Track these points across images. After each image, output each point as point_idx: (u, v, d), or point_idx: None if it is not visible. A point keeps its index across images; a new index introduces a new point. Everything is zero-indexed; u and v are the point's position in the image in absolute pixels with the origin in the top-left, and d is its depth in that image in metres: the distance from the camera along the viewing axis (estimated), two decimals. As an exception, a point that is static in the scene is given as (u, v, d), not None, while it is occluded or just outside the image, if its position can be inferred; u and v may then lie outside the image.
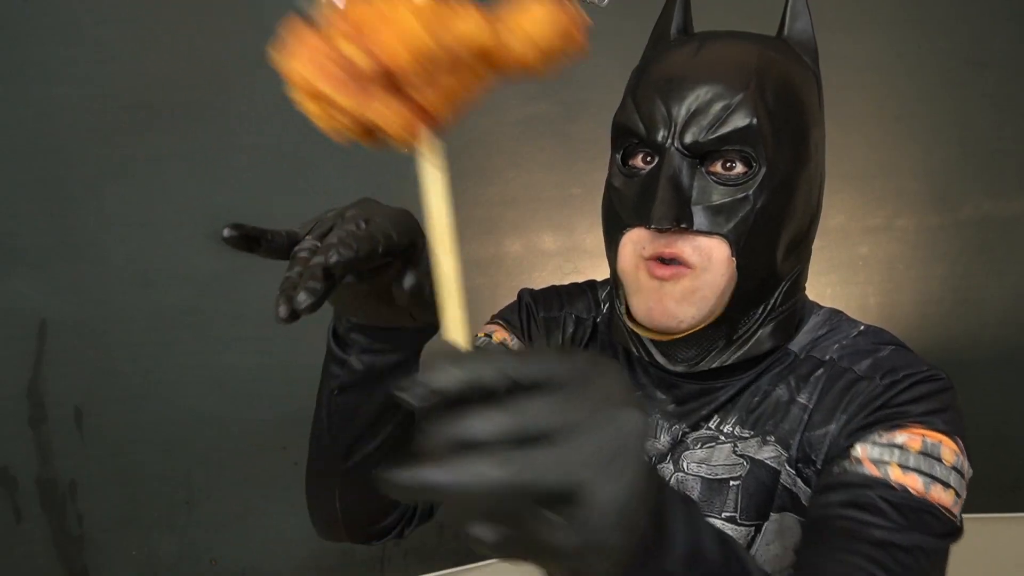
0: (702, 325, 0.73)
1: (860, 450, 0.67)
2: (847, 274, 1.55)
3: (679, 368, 0.76)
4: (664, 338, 0.74)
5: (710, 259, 0.70)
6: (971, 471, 0.67)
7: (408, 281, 0.56)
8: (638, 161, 0.73)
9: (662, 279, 0.71)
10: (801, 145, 0.73)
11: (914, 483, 0.64)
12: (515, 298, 0.95)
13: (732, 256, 0.70)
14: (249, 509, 1.51)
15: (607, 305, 0.90)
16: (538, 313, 0.91)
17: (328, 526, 0.77)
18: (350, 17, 0.33)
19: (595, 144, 1.48)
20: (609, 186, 0.76)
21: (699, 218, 0.70)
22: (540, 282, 1.49)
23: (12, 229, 1.31)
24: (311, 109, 0.36)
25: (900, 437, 0.66)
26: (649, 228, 0.68)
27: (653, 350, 0.77)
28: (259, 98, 1.34)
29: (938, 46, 1.47)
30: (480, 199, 1.43)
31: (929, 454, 0.65)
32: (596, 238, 1.55)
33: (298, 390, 1.48)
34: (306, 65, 0.35)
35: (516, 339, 0.89)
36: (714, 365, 0.75)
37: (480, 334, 0.90)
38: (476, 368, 0.35)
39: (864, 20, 1.44)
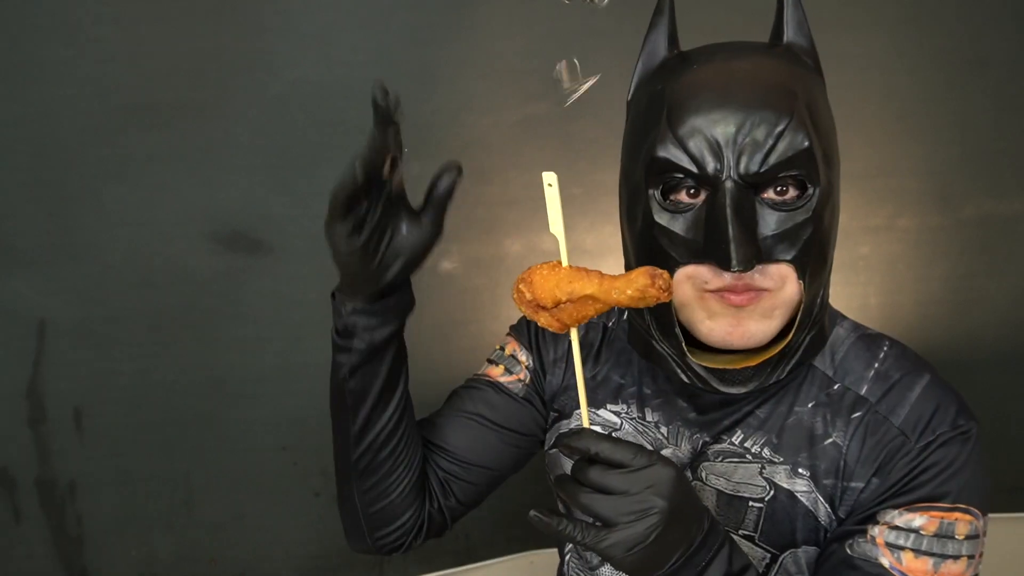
0: (776, 348, 0.72)
1: (878, 531, 0.70)
2: (848, 274, 1.55)
3: (737, 390, 0.74)
4: (739, 365, 0.73)
5: (783, 280, 0.70)
6: (988, 516, 0.71)
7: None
8: (683, 196, 0.71)
9: (740, 306, 0.70)
10: (833, 158, 0.73)
11: (924, 567, 0.68)
12: (509, 331, 0.96)
13: (799, 278, 0.70)
14: (249, 509, 1.51)
15: (625, 314, 0.90)
16: None
17: (356, 531, 0.86)
18: (531, 281, 0.66)
19: (595, 144, 1.48)
20: (651, 224, 0.72)
21: (766, 248, 0.68)
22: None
23: (12, 229, 1.31)
24: (525, 313, 0.68)
25: (918, 520, 0.69)
26: (731, 270, 0.66)
27: (710, 378, 0.74)
28: (259, 98, 1.34)
29: (939, 46, 1.46)
30: (480, 199, 1.43)
31: (943, 535, 0.68)
32: (596, 238, 1.56)
33: (298, 390, 1.49)
34: (521, 300, 0.67)
35: (524, 350, 0.92)
36: (771, 381, 0.74)
37: (497, 346, 0.94)
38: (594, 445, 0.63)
39: (865, 20, 1.44)
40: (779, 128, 0.67)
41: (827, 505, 0.74)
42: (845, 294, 1.55)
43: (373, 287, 0.72)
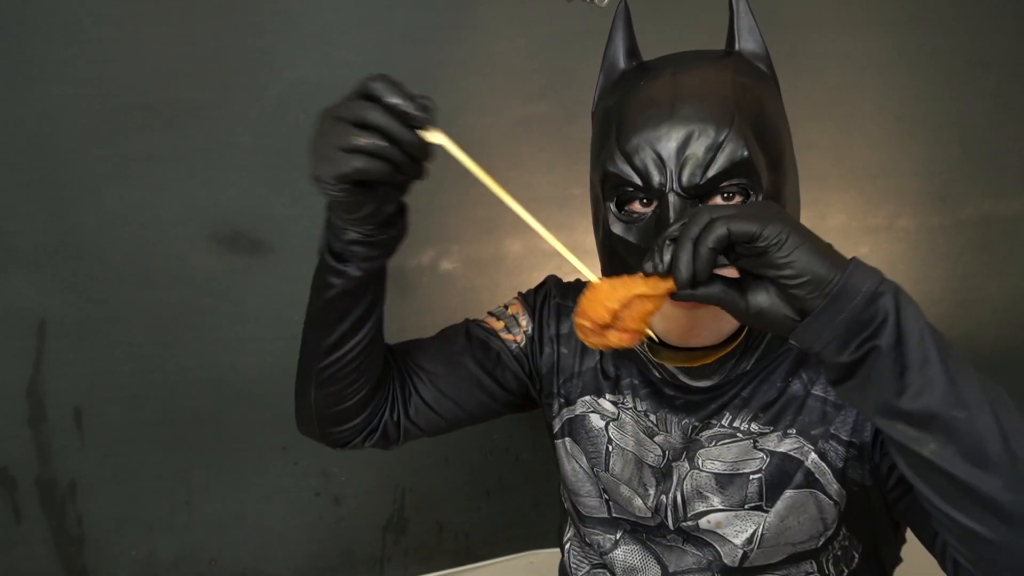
0: (730, 347, 0.77)
1: None
2: (847, 274, 1.55)
3: (703, 383, 0.80)
4: (694, 363, 0.77)
5: None
6: None
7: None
8: (636, 206, 0.75)
9: (693, 308, 0.74)
10: (782, 160, 0.76)
11: None
12: (517, 295, 1.02)
13: None
14: (249, 509, 1.51)
15: None
16: (554, 298, 0.98)
17: (307, 422, 0.90)
18: (582, 311, 0.65)
19: (595, 144, 1.48)
20: (608, 233, 0.77)
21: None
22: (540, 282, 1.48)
23: (12, 229, 1.31)
24: (597, 345, 0.67)
25: None
26: None
27: (677, 372, 0.80)
28: (259, 98, 1.34)
29: (939, 45, 1.46)
30: (480, 199, 1.42)
31: None
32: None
33: (298, 390, 1.49)
34: (586, 334, 0.66)
35: (527, 316, 0.96)
36: (737, 373, 0.79)
37: (502, 304, 1.00)
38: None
39: (865, 19, 1.44)
40: (719, 140, 0.71)
41: (818, 456, 0.79)
42: (845, 294, 1.55)
43: (372, 220, 0.71)
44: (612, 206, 0.77)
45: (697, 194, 0.71)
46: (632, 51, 0.83)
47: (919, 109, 1.49)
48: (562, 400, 0.93)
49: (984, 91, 1.49)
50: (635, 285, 0.63)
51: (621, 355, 0.90)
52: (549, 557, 1.62)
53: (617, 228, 0.76)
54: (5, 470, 1.40)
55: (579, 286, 1.00)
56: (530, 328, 0.96)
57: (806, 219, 0.86)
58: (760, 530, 0.80)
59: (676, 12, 1.35)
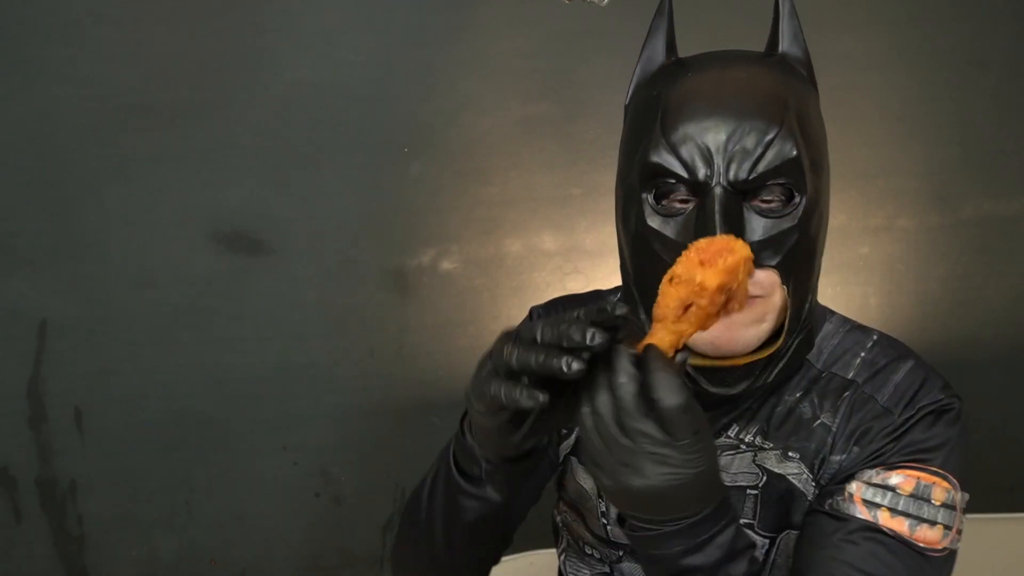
0: (765, 352, 0.73)
1: (855, 487, 0.71)
2: (847, 274, 1.54)
3: (725, 391, 0.75)
4: (726, 363, 0.74)
5: (772, 286, 0.71)
6: (967, 496, 0.72)
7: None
8: (675, 200, 0.72)
9: (726, 315, 0.69)
10: (822, 165, 0.74)
11: (899, 527, 0.69)
12: (517, 299, 1.00)
13: (783, 284, 0.71)
14: (249, 509, 1.51)
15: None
16: None
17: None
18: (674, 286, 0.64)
19: (595, 144, 1.48)
20: (644, 226, 0.74)
21: (753, 253, 0.68)
22: (540, 282, 1.48)
23: (12, 229, 1.31)
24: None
25: (895, 478, 0.70)
26: None
27: (699, 378, 0.76)
28: (259, 98, 1.34)
29: (939, 45, 1.46)
30: (480, 199, 1.43)
31: (920, 496, 0.70)
32: (596, 238, 1.55)
33: (298, 390, 1.49)
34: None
35: None
36: (759, 384, 0.75)
37: None
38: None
39: (865, 19, 1.44)
40: (768, 137, 0.68)
41: (817, 490, 0.76)
42: (845, 294, 1.55)
43: (511, 452, 0.68)
44: (650, 198, 0.73)
45: (743, 189, 0.69)
46: (671, 46, 0.81)
47: (919, 109, 1.48)
48: (567, 429, 0.91)
49: (984, 91, 1.49)
50: (657, 329, 0.64)
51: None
52: (549, 557, 1.62)
53: (654, 221, 0.72)
54: (5, 470, 1.40)
55: (554, 310, 0.95)
56: None
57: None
58: (770, 559, 0.78)
59: (680, 14, 1.35)
